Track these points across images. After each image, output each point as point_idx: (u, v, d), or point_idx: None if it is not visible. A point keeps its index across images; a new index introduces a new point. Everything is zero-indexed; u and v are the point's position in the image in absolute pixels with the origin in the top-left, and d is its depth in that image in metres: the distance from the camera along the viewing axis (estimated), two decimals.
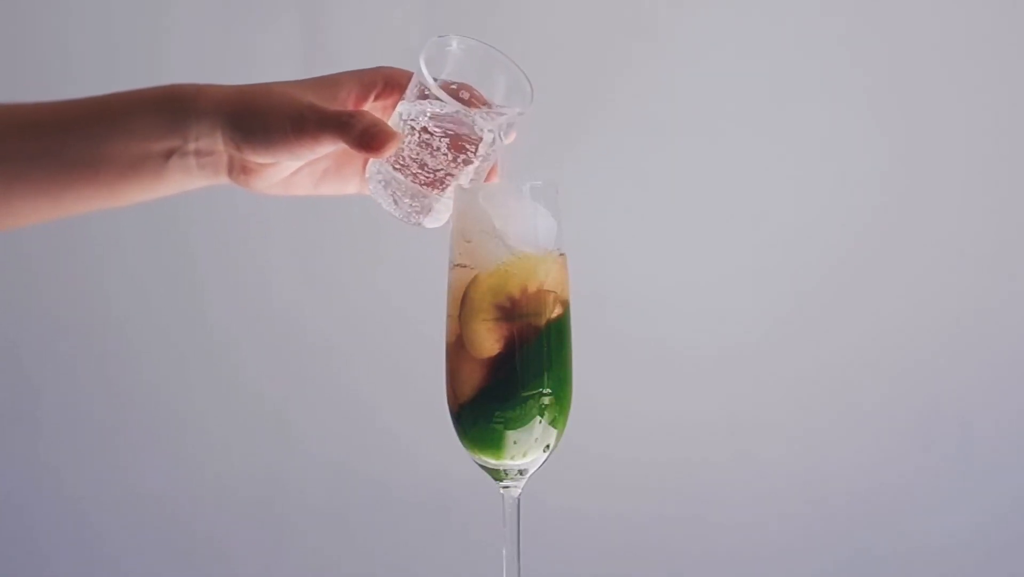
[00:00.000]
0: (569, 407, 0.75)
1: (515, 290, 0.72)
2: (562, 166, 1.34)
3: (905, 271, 1.37)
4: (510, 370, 0.72)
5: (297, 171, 0.76)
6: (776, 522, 1.38)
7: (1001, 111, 1.36)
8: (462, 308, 0.73)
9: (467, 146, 0.74)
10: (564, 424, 0.75)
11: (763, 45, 1.35)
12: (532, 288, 0.73)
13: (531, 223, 0.74)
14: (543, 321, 0.73)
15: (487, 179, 0.77)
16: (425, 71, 0.72)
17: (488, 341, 0.73)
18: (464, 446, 0.75)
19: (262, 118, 0.72)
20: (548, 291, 0.73)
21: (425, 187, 0.75)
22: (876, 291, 1.37)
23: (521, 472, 0.74)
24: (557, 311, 0.74)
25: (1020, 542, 1.38)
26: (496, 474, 0.75)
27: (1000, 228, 1.37)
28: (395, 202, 0.75)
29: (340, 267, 1.37)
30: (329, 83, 0.75)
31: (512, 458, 0.74)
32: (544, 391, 0.73)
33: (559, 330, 0.74)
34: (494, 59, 0.75)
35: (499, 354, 0.73)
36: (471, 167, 0.74)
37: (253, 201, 1.36)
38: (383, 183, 0.75)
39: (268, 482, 1.39)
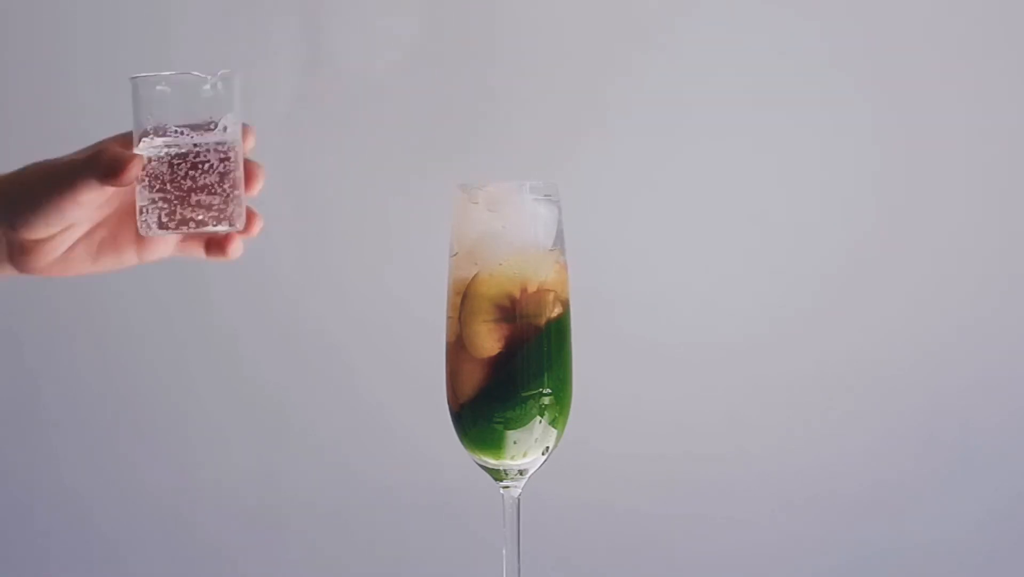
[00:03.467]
0: (569, 407, 0.75)
1: (515, 290, 0.72)
2: (562, 165, 1.34)
3: (907, 270, 1.36)
4: (510, 370, 0.72)
5: (73, 247, 0.76)
6: (776, 519, 1.38)
7: (1004, 110, 1.36)
8: (462, 308, 0.73)
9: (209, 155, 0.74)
10: (564, 424, 0.75)
11: (764, 45, 1.35)
12: (532, 288, 0.73)
13: (531, 222, 0.74)
14: (543, 321, 0.73)
15: (248, 185, 0.77)
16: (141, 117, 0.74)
17: (488, 341, 0.73)
18: (464, 446, 0.75)
19: (26, 186, 0.72)
20: (548, 290, 0.73)
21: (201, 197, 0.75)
22: (878, 290, 1.37)
23: (521, 472, 0.74)
24: (557, 310, 0.74)
25: (1020, 541, 1.37)
26: (496, 474, 0.75)
27: (1002, 228, 1.37)
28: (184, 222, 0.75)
29: (340, 266, 1.37)
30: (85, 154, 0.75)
31: (512, 458, 0.74)
32: (544, 391, 0.73)
33: (559, 330, 0.74)
34: (184, 81, 0.75)
35: (499, 354, 0.73)
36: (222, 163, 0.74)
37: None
38: (161, 214, 0.75)
39: (268, 481, 1.39)
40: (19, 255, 0.75)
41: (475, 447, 0.74)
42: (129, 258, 0.79)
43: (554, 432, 0.74)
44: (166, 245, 0.79)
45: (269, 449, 1.38)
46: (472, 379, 0.73)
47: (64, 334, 1.37)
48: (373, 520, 1.38)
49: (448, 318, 0.75)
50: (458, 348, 0.74)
